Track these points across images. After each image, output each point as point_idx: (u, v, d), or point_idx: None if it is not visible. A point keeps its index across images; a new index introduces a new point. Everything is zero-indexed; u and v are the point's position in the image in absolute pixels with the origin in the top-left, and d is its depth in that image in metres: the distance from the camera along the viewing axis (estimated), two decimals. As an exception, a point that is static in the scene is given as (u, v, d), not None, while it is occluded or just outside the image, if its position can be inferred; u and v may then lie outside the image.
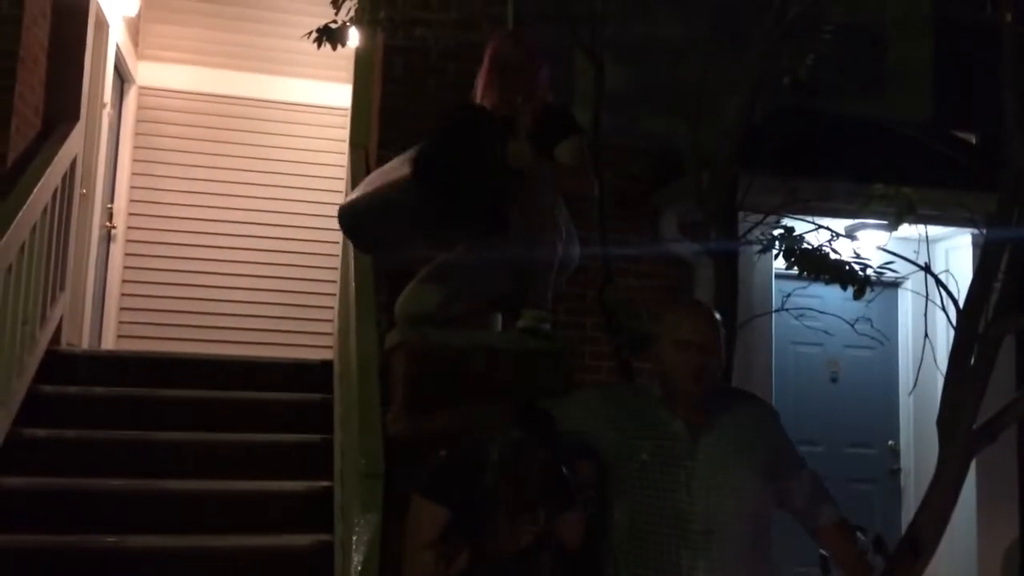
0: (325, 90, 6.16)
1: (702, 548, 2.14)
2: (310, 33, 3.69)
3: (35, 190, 3.84)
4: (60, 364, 4.17)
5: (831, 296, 4.15)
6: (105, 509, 3.45)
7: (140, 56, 6.04)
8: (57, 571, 3.19)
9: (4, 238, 3.45)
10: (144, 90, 6.06)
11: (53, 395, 3.94)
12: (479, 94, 3.35)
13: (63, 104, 4.54)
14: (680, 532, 2.15)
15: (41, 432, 3.71)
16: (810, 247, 3.20)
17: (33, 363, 3.95)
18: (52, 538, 3.26)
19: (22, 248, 3.68)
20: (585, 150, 3.35)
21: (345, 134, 5.37)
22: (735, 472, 2.18)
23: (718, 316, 2.34)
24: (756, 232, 3.40)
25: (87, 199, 4.94)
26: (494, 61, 3.30)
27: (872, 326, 3.62)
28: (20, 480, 3.47)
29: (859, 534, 4.07)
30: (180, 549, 3.34)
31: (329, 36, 3.70)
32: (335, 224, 5.42)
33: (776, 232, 3.25)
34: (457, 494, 2.18)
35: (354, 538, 2.63)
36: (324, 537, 3.39)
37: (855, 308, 3.90)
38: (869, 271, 3.20)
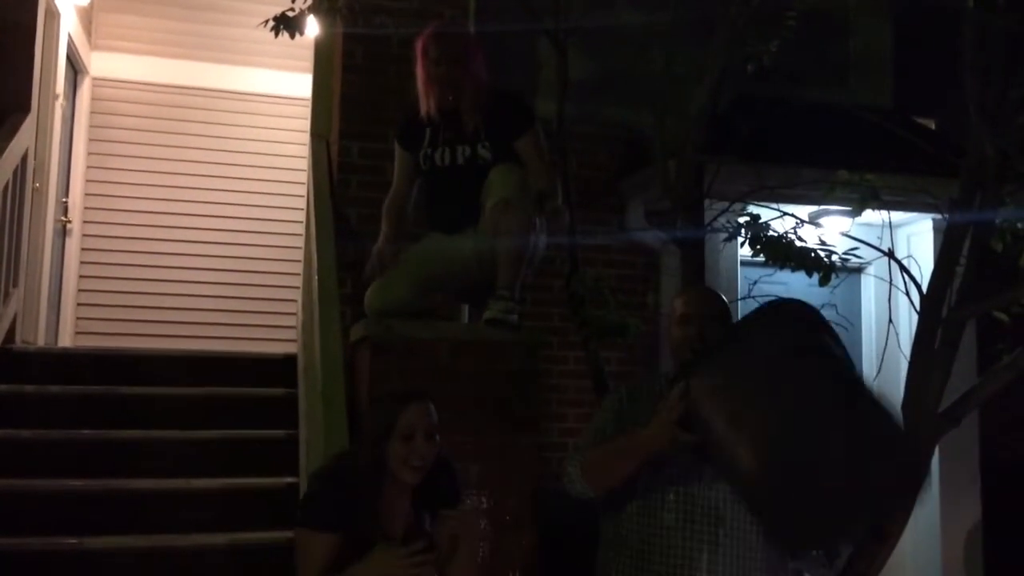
0: (285, 80, 6.06)
1: (709, 536, 2.12)
2: (267, 21, 3.62)
3: (-16, 185, 3.73)
4: (15, 363, 4.06)
5: (796, 282, 4.17)
6: (65, 510, 3.36)
7: (94, 46, 5.89)
8: (16, 574, 3.10)
9: (-48, 234, 3.34)
10: (98, 81, 5.91)
11: (8, 395, 3.84)
12: (422, 100, 3.38)
13: (13, 96, 4.39)
14: (687, 520, 2.14)
15: (-5, 433, 3.61)
16: (776, 234, 3.20)
17: (-14, 362, 3.85)
18: (10, 540, 3.17)
19: (-28, 244, 3.57)
20: (543, 145, 3.37)
21: (306, 124, 5.28)
22: None
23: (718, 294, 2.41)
24: (722, 220, 3.40)
25: (40, 193, 4.81)
26: (422, 62, 3.36)
27: (837, 312, 3.64)
28: (-26, 483, 3.38)
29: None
30: (142, 549, 3.26)
31: (287, 24, 3.63)
32: (297, 216, 5.39)
33: (742, 220, 3.25)
34: (338, 516, 2.11)
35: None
36: (290, 534, 3.34)
37: (820, 294, 3.91)
38: (834, 257, 3.22)
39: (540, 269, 4.94)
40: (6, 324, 4.17)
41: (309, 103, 5.08)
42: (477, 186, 3.31)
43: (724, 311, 2.39)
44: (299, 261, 4.96)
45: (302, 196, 5.32)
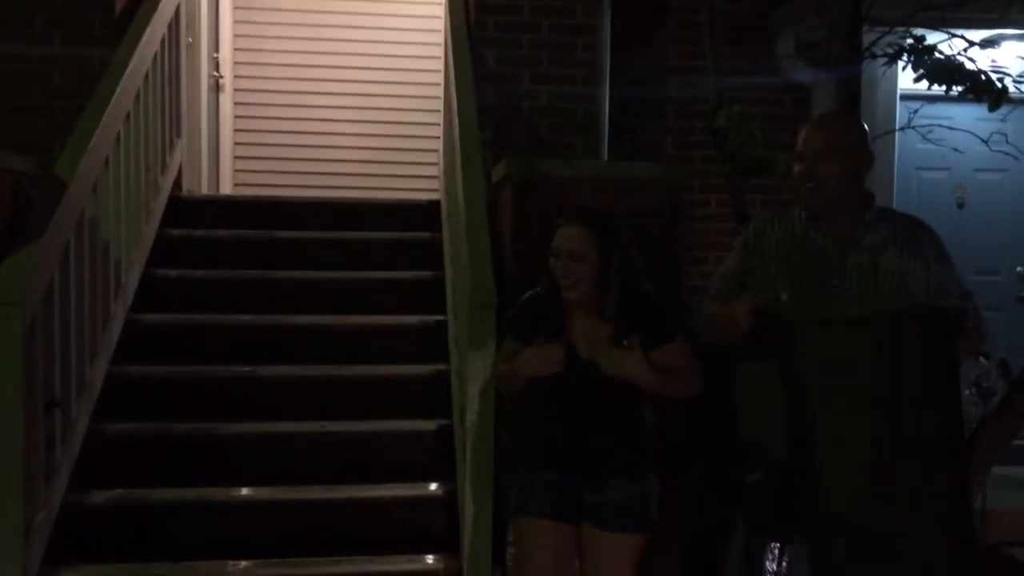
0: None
1: None
2: None
3: (144, 38, 3.88)
4: (183, 209, 4.35)
5: (962, 116, 3.89)
6: (235, 342, 3.65)
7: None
8: (197, 396, 3.44)
9: (120, 85, 3.52)
10: (239, -65, 5.96)
11: (179, 238, 4.14)
12: None
13: (162, -50, 4.51)
14: None
15: (172, 272, 3.92)
16: (942, 57, 2.96)
17: (159, 208, 4.13)
18: (190, 368, 3.50)
19: (137, 95, 3.77)
20: None
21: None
22: (888, 290, 2.11)
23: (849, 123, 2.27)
24: (882, 45, 3.16)
25: (193, 48, 4.99)
26: None
27: (1007, 140, 3.39)
28: (156, 316, 3.70)
29: (982, 359, 3.98)
30: (307, 377, 3.54)
31: None
32: (436, 64, 5.39)
33: (906, 42, 3.01)
34: (524, 329, 2.42)
35: (469, 367, 2.71)
36: (441, 367, 3.53)
37: (988, 126, 3.65)
38: (1007, 81, 2.96)
39: (681, 111, 4.82)
40: (173, 173, 4.45)
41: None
42: None
43: (848, 143, 2.20)
44: (439, 111, 4.99)
45: (439, 44, 5.29)
